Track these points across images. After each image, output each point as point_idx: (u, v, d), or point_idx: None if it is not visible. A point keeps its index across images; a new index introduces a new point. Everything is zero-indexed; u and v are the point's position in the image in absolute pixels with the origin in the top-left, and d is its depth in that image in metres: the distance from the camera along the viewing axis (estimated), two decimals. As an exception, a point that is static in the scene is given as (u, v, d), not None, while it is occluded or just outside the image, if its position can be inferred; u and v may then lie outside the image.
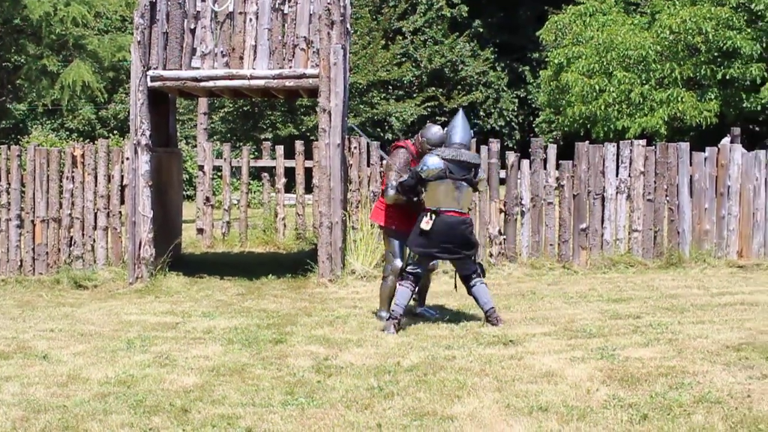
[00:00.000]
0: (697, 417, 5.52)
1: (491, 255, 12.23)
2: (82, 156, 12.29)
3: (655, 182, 12.35)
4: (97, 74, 24.60)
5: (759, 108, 22.34)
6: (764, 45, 21.71)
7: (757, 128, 26.74)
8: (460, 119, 8.70)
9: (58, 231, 12.25)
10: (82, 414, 5.79)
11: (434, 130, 8.86)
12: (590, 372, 6.63)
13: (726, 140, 12.75)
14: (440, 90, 33.73)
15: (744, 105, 22.49)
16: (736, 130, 13.22)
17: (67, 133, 34.29)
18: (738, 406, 5.70)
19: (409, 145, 9.01)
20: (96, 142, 12.80)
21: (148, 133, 11.61)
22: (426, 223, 8.31)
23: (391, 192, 8.69)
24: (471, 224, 8.55)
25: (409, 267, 8.45)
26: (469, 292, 8.56)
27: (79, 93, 24.67)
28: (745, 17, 22.02)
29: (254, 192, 23.47)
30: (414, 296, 9.09)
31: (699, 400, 5.85)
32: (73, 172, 12.26)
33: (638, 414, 5.59)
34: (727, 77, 22.05)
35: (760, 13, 21.76)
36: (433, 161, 8.37)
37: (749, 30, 21.90)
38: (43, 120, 35.36)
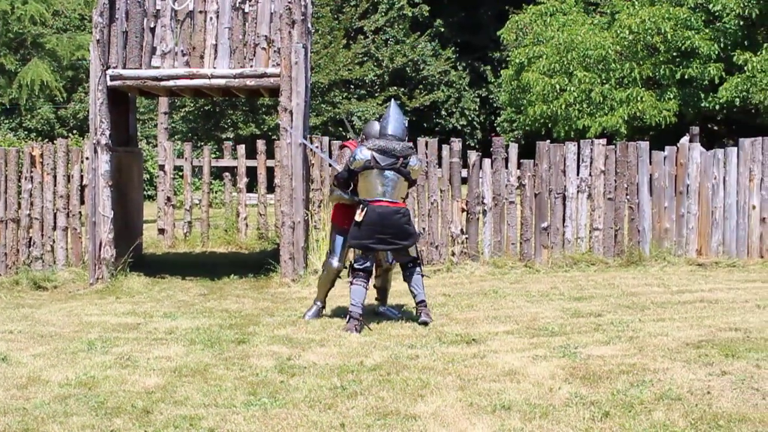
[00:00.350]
0: (658, 414, 5.56)
1: (453, 254, 12.26)
2: (41, 156, 12.17)
3: (615, 181, 12.44)
4: (55, 73, 24.41)
5: (717, 107, 22.57)
6: (722, 45, 21.93)
7: (715, 127, 27.03)
8: (392, 110, 8.78)
9: (17, 231, 12.12)
10: (43, 416, 5.73)
11: (374, 126, 8.92)
12: (552, 370, 6.67)
13: (685, 139, 12.88)
14: (402, 89, 33.76)
15: (702, 104, 22.71)
16: (695, 129, 13.38)
17: (26, 132, 33.92)
18: (698, 403, 5.76)
19: (355, 144, 9.05)
20: (55, 141, 12.68)
21: (108, 132, 11.52)
22: (358, 215, 8.39)
23: (333, 191, 8.77)
24: (406, 214, 8.53)
25: (356, 263, 8.45)
26: (405, 280, 8.65)
27: (38, 92, 24.48)
28: (703, 17, 22.24)
29: (216, 192, 23.37)
30: (376, 296, 9.13)
31: (660, 397, 5.90)
32: (31, 172, 12.14)
33: (600, 411, 5.63)
34: (686, 77, 22.26)
35: (717, 13, 21.99)
36: (360, 153, 8.47)
37: (707, 30, 22.12)
38: (0, 119, 34.96)
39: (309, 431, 5.40)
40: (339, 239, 8.88)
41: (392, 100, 9.48)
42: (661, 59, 22.42)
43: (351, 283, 8.42)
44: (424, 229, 12.23)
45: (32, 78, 22.90)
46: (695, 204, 12.53)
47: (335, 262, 8.90)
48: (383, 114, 8.95)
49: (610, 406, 5.72)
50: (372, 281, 8.89)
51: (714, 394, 5.94)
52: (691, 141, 12.84)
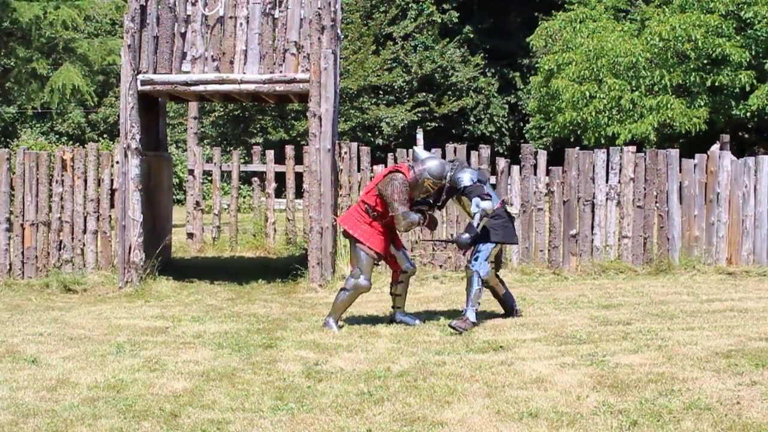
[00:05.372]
0: (687, 423, 5.53)
1: (481, 261, 12.21)
2: (72, 159, 12.26)
3: (644, 189, 12.38)
4: (86, 78, 24.58)
5: (748, 115, 22.41)
6: (753, 52, 21.78)
7: (746, 135, 26.81)
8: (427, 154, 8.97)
9: (47, 234, 12.21)
10: (71, 418, 5.77)
11: (436, 164, 8.67)
12: (580, 378, 6.64)
13: (715, 147, 12.80)
14: (430, 95, 33.72)
15: (733, 112, 22.56)
16: (726, 137, 13.29)
17: (57, 136, 34.24)
18: (727, 413, 5.72)
19: (405, 170, 8.65)
20: (86, 145, 12.77)
21: (138, 136, 11.59)
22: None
23: (413, 217, 8.57)
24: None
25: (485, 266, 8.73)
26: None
27: (69, 96, 24.64)
28: (734, 25, 22.10)
29: (244, 196, 23.47)
30: (394, 304, 9.05)
31: (688, 406, 5.86)
32: (62, 175, 12.23)
33: (628, 420, 5.60)
34: (716, 84, 22.11)
35: (749, 20, 21.85)
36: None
37: (738, 38, 21.97)
38: (32, 123, 35.30)
39: (336, 437, 5.41)
40: (366, 260, 8.61)
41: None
42: (692, 66, 22.29)
43: (481, 284, 8.62)
44: (452, 235, 12.21)
45: (63, 82, 23.07)
46: (725, 212, 12.44)
47: (367, 281, 8.63)
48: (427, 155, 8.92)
49: (638, 415, 5.69)
50: (389, 288, 9.04)
51: (743, 404, 5.89)
52: (721, 149, 12.75)
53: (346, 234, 8.86)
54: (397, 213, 8.44)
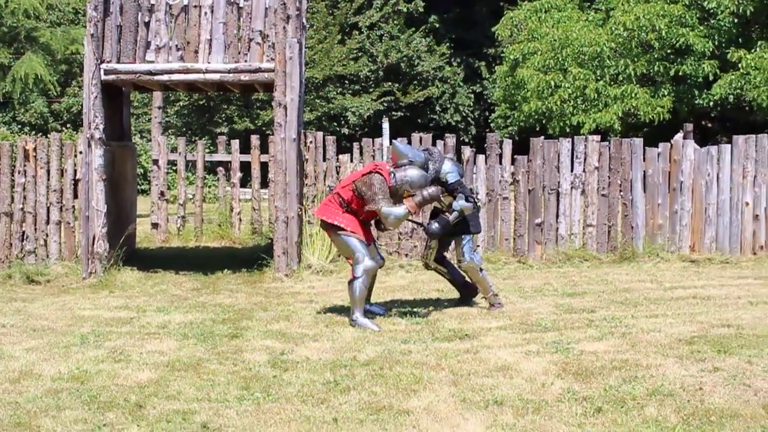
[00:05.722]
0: (650, 409, 5.58)
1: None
2: (35, 150, 12.14)
3: (609, 177, 12.47)
4: (49, 67, 24.37)
5: (711, 104, 22.56)
6: (716, 42, 21.92)
7: (709, 124, 27.02)
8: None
9: (9, 225, 12.10)
10: (35, 410, 5.72)
11: (418, 176, 8.55)
12: (545, 366, 6.68)
13: (679, 136, 12.87)
14: (396, 85, 33.71)
15: (696, 101, 22.71)
16: (689, 126, 13.35)
17: (19, 126, 33.86)
18: (690, 399, 5.78)
19: (386, 173, 8.49)
20: (49, 135, 12.66)
21: (101, 126, 11.50)
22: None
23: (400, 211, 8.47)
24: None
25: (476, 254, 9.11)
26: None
27: (32, 86, 24.43)
28: (698, 15, 22.23)
29: (209, 186, 23.34)
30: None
31: (652, 392, 5.91)
32: (25, 166, 12.11)
33: (592, 407, 5.64)
34: (680, 74, 22.24)
35: (712, 10, 21.98)
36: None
37: (702, 27, 22.11)
38: (-6, 113, 34.90)
39: (302, 426, 5.41)
40: (359, 244, 8.41)
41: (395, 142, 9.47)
42: (656, 56, 22.41)
43: (481, 270, 8.99)
44: (418, 224, 12.21)
45: (26, 72, 22.86)
46: (689, 201, 12.55)
47: (372, 261, 8.42)
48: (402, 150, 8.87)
49: (602, 402, 5.73)
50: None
51: (706, 390, 5.95)
52: (684, 138, 12.82)
53: (325, 225, 8.59)
54: (381, 209, 8.30)
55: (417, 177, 8.46)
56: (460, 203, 8.74)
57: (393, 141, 9.68)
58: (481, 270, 8.99)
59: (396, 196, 8.46)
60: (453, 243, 9.11)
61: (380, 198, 8.30)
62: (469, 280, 9.21)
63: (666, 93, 22.52)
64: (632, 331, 7.80)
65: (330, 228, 8.55)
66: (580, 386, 6.13)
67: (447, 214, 8.82)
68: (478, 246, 12.34)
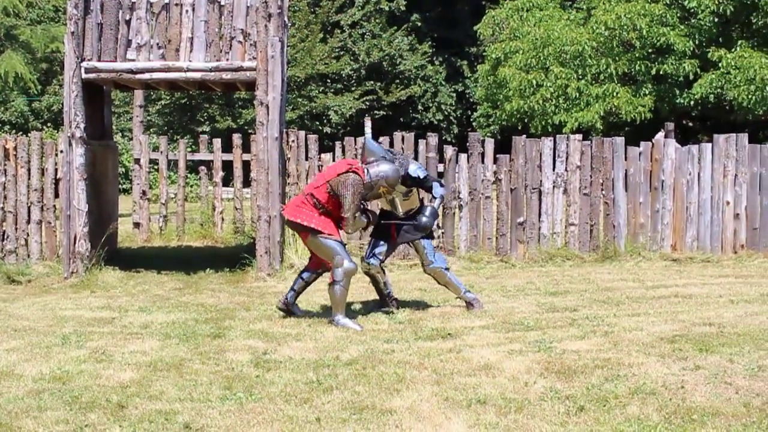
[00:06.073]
0: (633, 408, 5.60)
1: (430, 249, 12.25)
2: (15, 149, 12.08)
3: (591, 176, 12.50)
4: (29, 65, 24.25)
5: (692, 103, 22.66)
6: (696, 42, 22.03)
7: (690, 123, 27.13)
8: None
9: (-10, 225, 12.04)
10: (16, 411, 5.69)
11: (391, 170, 8.58)
12: (528, 365, 6.69)
13: (660, 135, 12.91)
14: (378, 84, 33.69)
15: (677, 100, 22.81)
16: (670, 126, 13.38)
17: (-1, 125, 33.66)
18: (672, 397, 5.80)
19: (360, 171, 8.46)
20: (29, 134, 12.60)
21: (82, 125, 11.45)
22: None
23: (363, 220, 8.56)
24: None
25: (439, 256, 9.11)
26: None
27: (12, 84, 24.29)
28: (679, 14, 22.32)
29: (192, 186, 23.28)
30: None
31: (634, 391, 5.93)
32: (5, 165, 12.05)
33: (575, 406, 5.65)
34: (661, 73, 22.33)
35: (692, 10, 22.08)
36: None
37: (682, 27, 22.20)
38: (-26, 112, 34.68)
39: (285, 426, 5.40)
40: (338, 246, 8.35)
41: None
42: (637, 55, 22.48)
43: (447, 269, 8.94)
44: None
45: (6, 70, 22.74)
46: (670, 199, 12.60)
47: (352, 263, 8.37)
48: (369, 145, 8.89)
49: (584, 401, 5.75)
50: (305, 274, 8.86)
51: (688, 389, 5.97)
52: (666, 137, 12.87)
53: (297, 226, 8.48)
54: (349, 215, 8.28)
55: (391, 171, 8.50)
56: (439, 190, 8.82)
57: (366, 139, 9.63)
58: (447, 270, 8.92)
59: (372, 191, 8.47)
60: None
61: (351, 202, 8.27)
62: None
63: (647, 92, 22.61)
64: (614, 330, 7.83)
65: (305, 230, 8.43)
66: (563, 385, 6.14)
67: (429, 204, 8.90)
68: (459, 246, 12.36)
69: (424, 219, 8.80)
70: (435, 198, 8.82)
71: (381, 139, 12.64)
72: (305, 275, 8.79)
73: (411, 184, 8.79)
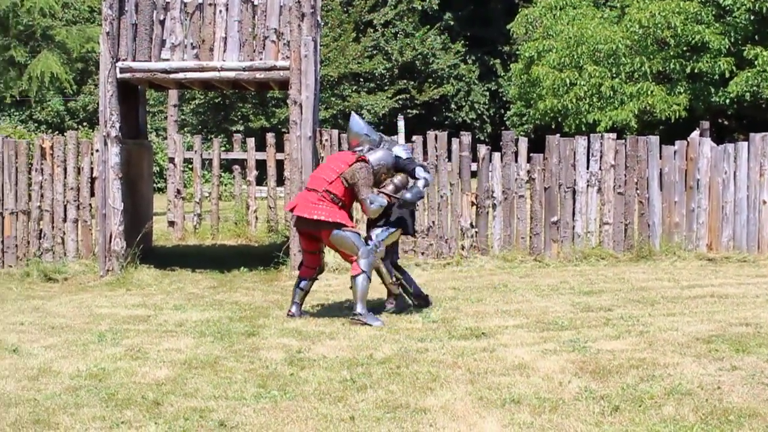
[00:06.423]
0: (668, 408, 5.56)
1: (463, 248, 12.25)
2: (51, 148, 12.19)
3: (625, 175, 12.42)
4: (65, 65, 24.39)
5: (727, 102, 22.51)
6: (732, 39, 21.86)
7: (725, 122, 26.94)
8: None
9: (27, 223, 12.15)
10: (53, 407, 5.74)
11: (386, 154, 8.77)
12: (562, 364, 6.66)
13: (695, 134, 12.84)
14: (411, 83, 33.72)
15: (713, 99, 22.65)
16: (705, 124, 13.33)
17: (36, 124, 33.97)
18: (708, 398, 5.75)
19: (364, 158, 8.61)
20: (65, 133, 12.70)
21: (117, 124, 11.53)
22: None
23: (382, 201, 8.56)
24: None
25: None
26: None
27: (48, 84, 24.47)
28: (714, 12, 22.17)
29: (226, 184, 23.38)
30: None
31: (670, 392, 5.89)
32: (42, 164, 12.16)
33: (610, 406, 5.62)
34: (696, 71, 22.19)
35: (728, 7, 21.92)
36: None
37: (717, 24, 22.05)
38: (11, 111, 35.00)
39: (319, 424, 5.41)
40: (359, 238, 8.44)
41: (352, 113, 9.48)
42: (671, 53, 22.35)
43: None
44: (434, 222, 12.25)
45: (42, 70, 22.89)
46: (705, 199, 12.50)
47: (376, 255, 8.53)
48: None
49: (619, 401, 5.71)
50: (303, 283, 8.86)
51: (724, 389, 5.92)
52: (701, 135, 12.78)
53: (319, 224, 8.39)
54: (365, 198, 8.41)
55: (386, 156, 8.70)
56: (423, 173, 8.85)
57: (352, 116, 9.33)
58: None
59: (375, 178, 8.60)
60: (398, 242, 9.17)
61: (364, 187, 8.43)
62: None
63: (682, 90, 22.46)
64: (649, 330, 7.78)
65: (328, 227, 8.40)
66: (598, 385, 6.11)
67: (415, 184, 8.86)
68: (493, 245, 12.33)
69: (408, 195, 8.76)
70: (419, 179, 8.82)
71: (414, 138, 12.64)
72: (303, 284, 8.83)
73: (398, 168, 8.86)
